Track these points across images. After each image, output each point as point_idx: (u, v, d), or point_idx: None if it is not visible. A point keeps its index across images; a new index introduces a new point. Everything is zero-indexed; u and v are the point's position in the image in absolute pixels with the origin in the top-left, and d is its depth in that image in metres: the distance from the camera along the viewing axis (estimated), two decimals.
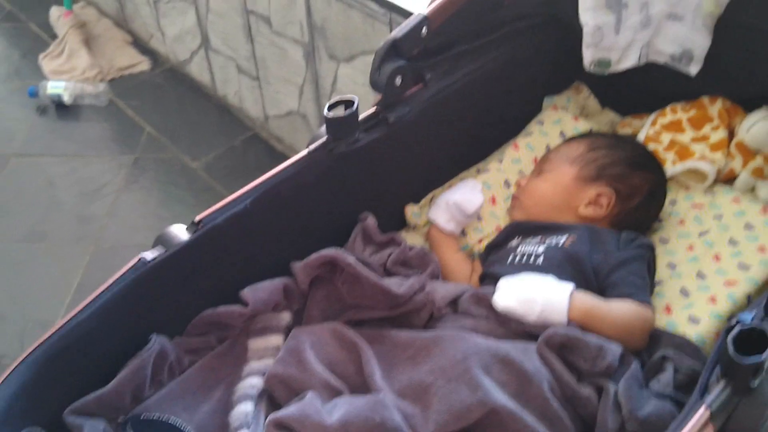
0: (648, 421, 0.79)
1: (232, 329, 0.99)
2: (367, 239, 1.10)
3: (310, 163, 1.02)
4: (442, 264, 1.11)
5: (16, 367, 0.80)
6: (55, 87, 2.48)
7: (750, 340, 0.69)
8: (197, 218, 0.93)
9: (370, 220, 1.10)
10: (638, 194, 1.11)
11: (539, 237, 1.07)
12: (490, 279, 1.04)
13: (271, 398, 0.92)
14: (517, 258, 1.05)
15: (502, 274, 0.99)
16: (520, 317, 0.93)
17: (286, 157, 1.01)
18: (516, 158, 1.24)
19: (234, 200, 0.95)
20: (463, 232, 1.19)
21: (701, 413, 0.68)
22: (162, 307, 0.93)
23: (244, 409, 0.89)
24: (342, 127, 1.02)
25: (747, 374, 0.68)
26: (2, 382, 0.78)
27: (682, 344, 0.92)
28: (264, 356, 0.96)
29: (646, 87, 1.22)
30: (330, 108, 1.00)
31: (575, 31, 1.13)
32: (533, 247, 1.05)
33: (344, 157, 1.04)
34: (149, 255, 0.89)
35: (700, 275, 1.03)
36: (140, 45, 2.77)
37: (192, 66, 2.52)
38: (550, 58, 1.27)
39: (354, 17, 1.61)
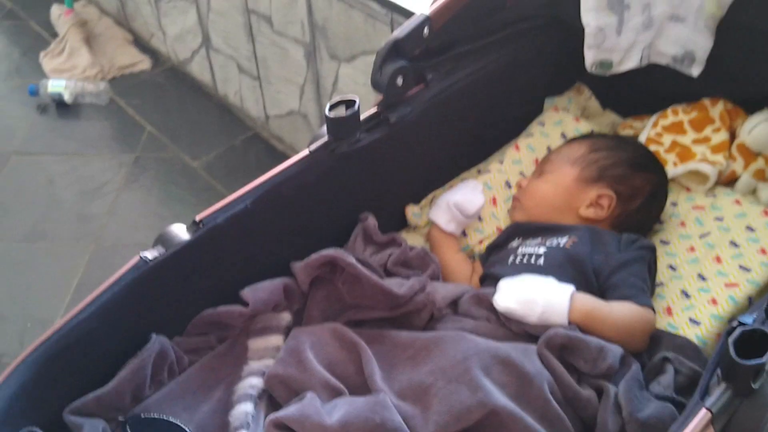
0: (648, 423, 0.79)
1: (232, 329, 0.98)
2: (368, 239, 1.10)
3: (311, 163, 1.02)
4: (443, 265, 1.11)
5: (16, 366, 0.79)
6: (56, 85, 2.48)
7: (751, 342, 0.68)
8: (198, 218, 0.93)
9: (371, 221, 1.10)
10: (639, 195, 1.10)
11: (540, 238, 1.07)
12: (490, 280, 1.04)
13: (270, 398, 0.92)
14: (518, 259, 1.05)
15: (503, 275, 0.99)
16: (521, 318, 0.92)
17: (287, 157, 1.01)
18: (517, 159, 1.24)
19: (234, 200, 0.95)
20: (464, 233, 1.19)
21: (702, 415, 0.68)
22: (162, 307, 0.93)
23: (244, 409, 0.89)
24: (343, 127, 1.02)
25: (748, 376, 0.67)
26: (2, 381, 0.78)
27: (683, 345, 0.92)
28: (264, 356, 0.96)
29: (648, 88, 1.22)
30: (331, 108, 1.00)
31: (577, 33, 1.13)
32: (534, 248, 1.05)
33: (345, 157, 1.04)
34: (149, 254, 0.89)
35: (701, 277, 1.03)
36: (141, 44, 2.77)
37: (193, 65, 2.52)
38: (552, 59, 1.27)
39: (355, 17, 1.61)
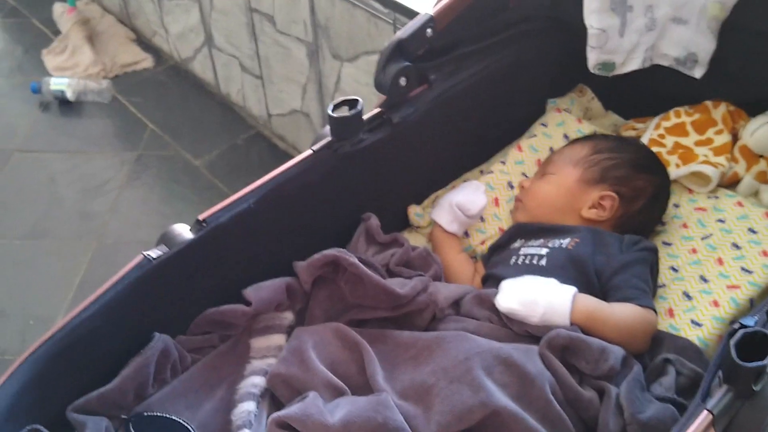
0: (649, 425, 0.79)
1: (235, 328, 0.99)
2: (370, 239, 1.10)
3: (314, 163, 1.02)
4: (445, 265, 1.11)
5: (19, 364, 0.80)
6: (58, 83, 2.49)
7: (753, 344, 0.69)
8: (201, 217, 0.93)
9: (373, 221, 1.10)
10: (642, 197, 1.11)
11: (542, 239, 1.07)
12: (492, 280, 1.04)
13: (273, 397, 0.92)
14: (520, 259, 1.05)
15: (505, 275, 0.99)
16: (523, 319, 0.92)
17: (289, 156, 1.02)
18: (519, 160, 1.24)
19: (238, 199, 0.95)
20: (466, 234, 1.19)
21: (703, 417, 0.68)
22: (165, 306, 0.93)
23: (246, 408, 0.89)
24: (346, 127, 1.02)
25: (749, 378, 0.68)
26: (5, 379, 0.78)
27: (685, 347, 0.92)
28: (266, 356, 0.96)
29: (650, 90, 1.23)
30: (334, 108, 1.00)
31: (580, 34, 1.13)
32: (536, 249, 1.05)
33: (348, 157, 1.04)
34: (153, 253, 0.89)
35: (703, 278, 1.03)
36: (143, 42, 2.78)
37: (195, 64, 2.52)
38: (555, 60, 1.27)
39: (358, 17, 1.61)
